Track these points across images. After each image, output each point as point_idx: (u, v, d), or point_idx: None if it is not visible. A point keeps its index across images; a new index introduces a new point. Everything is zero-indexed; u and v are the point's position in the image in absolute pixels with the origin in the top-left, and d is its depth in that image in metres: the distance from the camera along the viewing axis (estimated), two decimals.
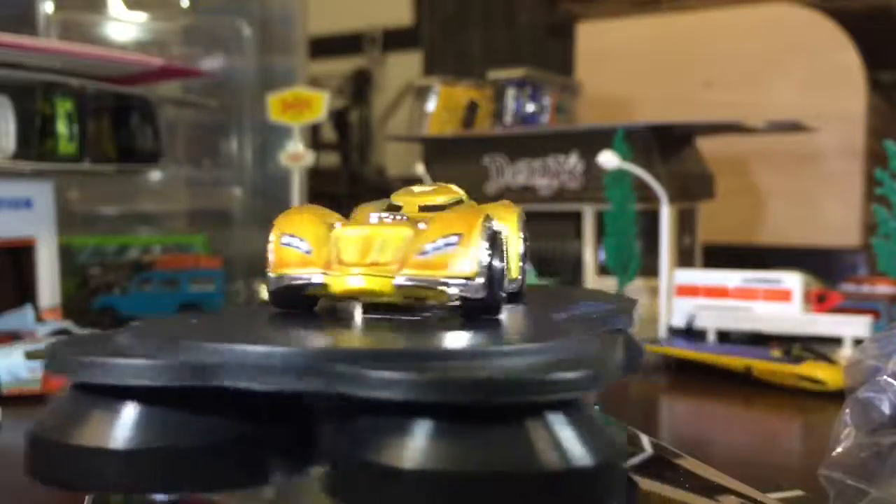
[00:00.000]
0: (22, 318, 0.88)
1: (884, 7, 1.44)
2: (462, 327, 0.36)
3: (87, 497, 0.43)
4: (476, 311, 0.37)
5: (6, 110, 0.82)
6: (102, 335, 0.36)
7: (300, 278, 0.36)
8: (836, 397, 0.51)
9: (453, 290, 0.35)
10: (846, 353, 0.81)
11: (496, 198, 1.11)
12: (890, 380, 0.47)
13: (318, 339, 0.35)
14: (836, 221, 1.35)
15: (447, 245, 0.35)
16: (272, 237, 0.37)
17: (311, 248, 0.36)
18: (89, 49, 0.90)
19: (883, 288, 0.95)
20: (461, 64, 1.95)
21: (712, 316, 0.91)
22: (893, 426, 0.47)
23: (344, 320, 0.37)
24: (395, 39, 2.33)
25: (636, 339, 0.41)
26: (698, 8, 1.49)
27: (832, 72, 1.34)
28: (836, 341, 0.84)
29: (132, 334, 0.34)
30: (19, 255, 0.96)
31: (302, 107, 1.11)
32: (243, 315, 0.42)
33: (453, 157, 1.17)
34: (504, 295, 0.39)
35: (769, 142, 1.30)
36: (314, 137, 2.07)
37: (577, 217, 1.07)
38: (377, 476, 0.27)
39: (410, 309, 0.38)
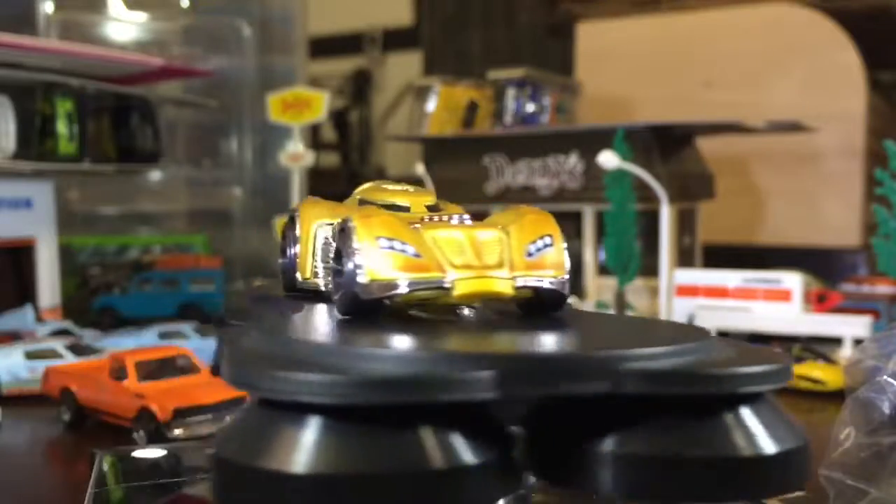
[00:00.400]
0: (22, 318, 0.88)
1: (884, 7, 1.44)
2: (578, 324, 0.37)
3: (86, 495, 0.43)
4: (553, 306, 0.38)
5: (6, 110, 0.82)
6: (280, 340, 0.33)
7: (424, 283, 0.35)
8: (836, 397, 0.51)
9: (554, 287, 0.37)
10: (846, 353, 0.81)
11: (496, 198, 1.11)
12: (890, 380, 0.47)
13: (533, 342, 0.34)
14: (836, 221, 1.35)
15: (546, 246, 0.37)
16: (362, 241, 0.35)
17: (418, 251, 0.35)
18: (89, 49, 0.90)
19: (883, 288, 0.95)
20: (461, 64, 1.95)
21: (712, 316, 0.91)
22: (893, 426, 0.46)
23: (445, 322, 0.37)
24: (395, 39, 2.33)
25: None
26: (698, 8, 1.49)
27: (832, 72, 1.34)
28: (836, 341, 0.84)
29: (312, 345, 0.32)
30: (19, 255, 0.96)
31: (302, 107, 1.11)
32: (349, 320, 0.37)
33: (453, 157, 1.17)
34: None
35: (769, 142, 1.30)
36: (314, 137, 2.07)
37: (577, 217, 1.07)
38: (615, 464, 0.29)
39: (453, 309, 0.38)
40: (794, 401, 0.76)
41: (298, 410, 0.28)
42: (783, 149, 1.34)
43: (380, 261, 0.35)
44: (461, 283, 0.35)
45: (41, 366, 0.72)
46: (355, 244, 0.35)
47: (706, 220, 1.15)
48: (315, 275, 0.42)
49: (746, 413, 0.31)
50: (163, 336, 0.81)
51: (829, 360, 0.78)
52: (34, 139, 0.84)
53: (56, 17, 1.21)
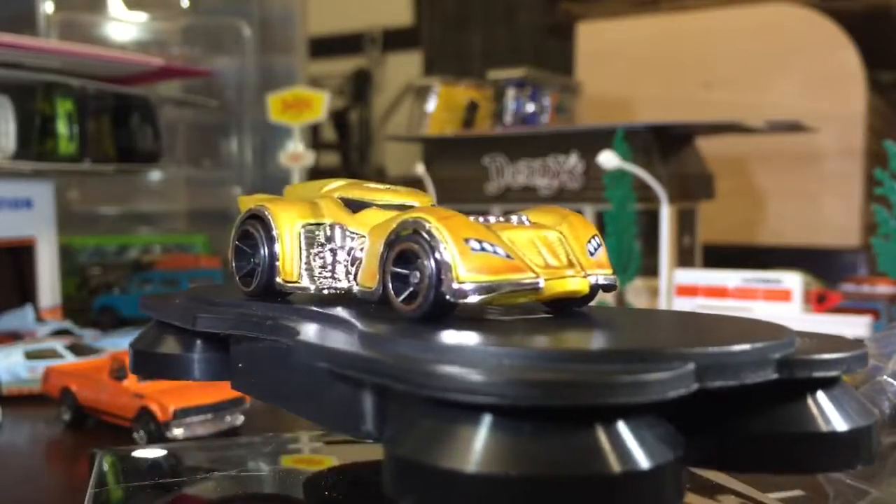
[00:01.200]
0: (22, 318, 0.88)
1: (884, 7, 1.44)
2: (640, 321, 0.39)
3: (87, 495, 0.43)
4: (583, 303, 0.39)
5: (6, 110, 0.82)
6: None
7: (519, 284, 0.35)
8: None
9: (611, 283, 0.38)
10: None
11: (496, 198, 1.11)
12: (890, 380, 0.47)
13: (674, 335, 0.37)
14: (836, 221, 1.35)
15: (599, 245, 0.39)
16: (447, 244, 0.34)
17: (508, 253, 0.35)
18: (89, 49, 0.90)
19: (883, 288, 0.95)
20: (461, 64, 1.95)
21: None
22: (893, 426, 0.47)
23: (519, 321, 0.37)
24: (395, 39, 2.33)
25: None
26: (698, 8, 1.49)
27: (832, 72, 1.34)
28: None
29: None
30: (19, 255, 0.96)
31: (302, 107, 1.11)
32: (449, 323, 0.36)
33: (453, 157, 1.17)
34: None
35: (769, 142, 1.30)
36: (314, 137, 2.07)
37: None
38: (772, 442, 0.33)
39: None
40: None
41: (476, 411, 0.27)
42: (783, 149, 1.34)
43: (472, 263, 0.34)
44: (551, 284, 0.36)
45: (41, 366, 0.72)
46: (441, 245, 0.34)
47: (706, 220, 1.15)
48: (301, 277, 0.41)
49: (829, 394, 0.33)
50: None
51: None
52: (34, 139, 0.84)
53: (56, 17, 1.21)
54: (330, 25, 2.19)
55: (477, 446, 0.27)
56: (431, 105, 1.23)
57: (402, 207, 0.40)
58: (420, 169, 1.16)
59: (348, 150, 2.34)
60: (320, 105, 1.11)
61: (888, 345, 0.50)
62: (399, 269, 0.36)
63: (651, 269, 0.97)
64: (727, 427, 0.33)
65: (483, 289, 0.34)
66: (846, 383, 0.35)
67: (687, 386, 0.28)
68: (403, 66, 2.23)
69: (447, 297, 0.34)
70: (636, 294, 1.00)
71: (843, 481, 0.44)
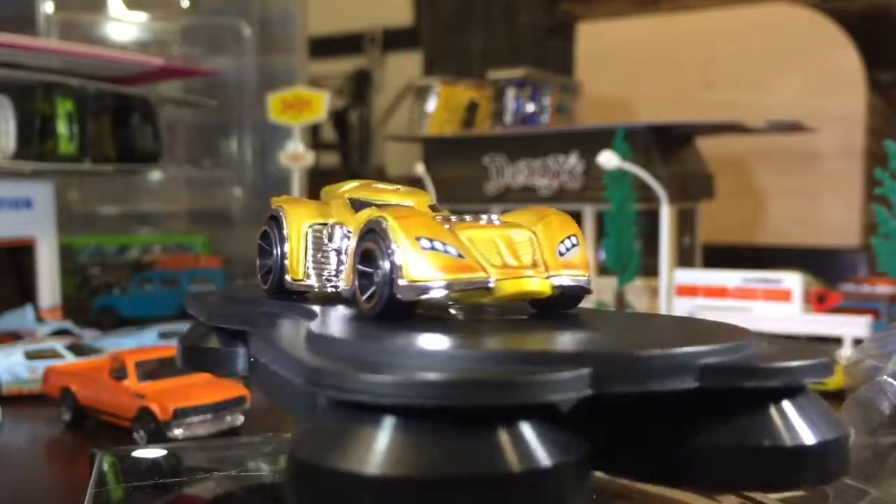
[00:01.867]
0: (22, 318, 0.88)
1: (884, 7, 1.44)
2: (629, 324, 0.39)
3: (86, 495, 0.43)
4: (571, 304, 0.39)
5: (6, 110, 0.82)
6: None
7: (468, 284, 0.35)
8: (836, 397, 0.51)
9: (583, 285, 0.38)
10: (846, 353, 0.81)
11: (496, 198, 1.11)
12: (890, 380, 0.47)
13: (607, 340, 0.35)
14: (836, 221, 1.35)
15: (573, 245, 0.38)
16: (399, 242, 0.35)
17: (459, 252, 0.35)
18: (89, 49, 0.90)
19: (883, 288, 0.95)
20: (461, 64, 1.95)
21: (712, 316, 0.91)
22: (893, 426, 0.46)
23: (486, 322, 0.37)
24: (395, 39, 2.32)
25: None
26: (698, 8, 1.49)
27: (832, 72, 1.34)
28: (836, 341, 0.84)
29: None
30: (19, 255, 0.96)
31: (302, 107, 1.11)
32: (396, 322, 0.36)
33: (453, 157, 1.17)
34: None
35: (769, 142, 1.30)
36: (314, 137, 2.07)
37: (577, 217, 1.06)
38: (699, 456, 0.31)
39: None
40: None
41: (377, 412, 0.27)
42: (783, 149, 1.34)
43: (421, 261, 0.34)
44: (503, 284, 0.35)
45: (41, 366, 0.72)
46: (393, 244, 0.35)
47: (706, 220, 1.15)
48: (307, 275, 0.42)
49: (793, 404, 0.32)
50: (163, 336, 0.81)
51: None
52: (34, 139, 0.84)
53: (56, 17, 1.21)
54: (330, 25, 2.19)
55: (378, 448, 0.27)
56: (431, 105, 1.23)
57: (393, 207, 0.40)
58: (420, 169, 1.16)
59: (348, 150, 2.34)
60: (320, 105, 1.11)
61: (888, 345, 0.50)
62: (364, 268, 0.36)
63: (651, 269, 0.97)
64: (678, 439, 0.31)
65: (431, 288, 0.34)
66: (815, 394, 0.34)
67: (578, 390, 0.28)
68: (403, 66, 2.23)
69: (398, 295, 0.34)
70: (636, 294, 1.00)
71: (843, 481, 0.43)
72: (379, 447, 0.27)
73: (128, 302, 1.08)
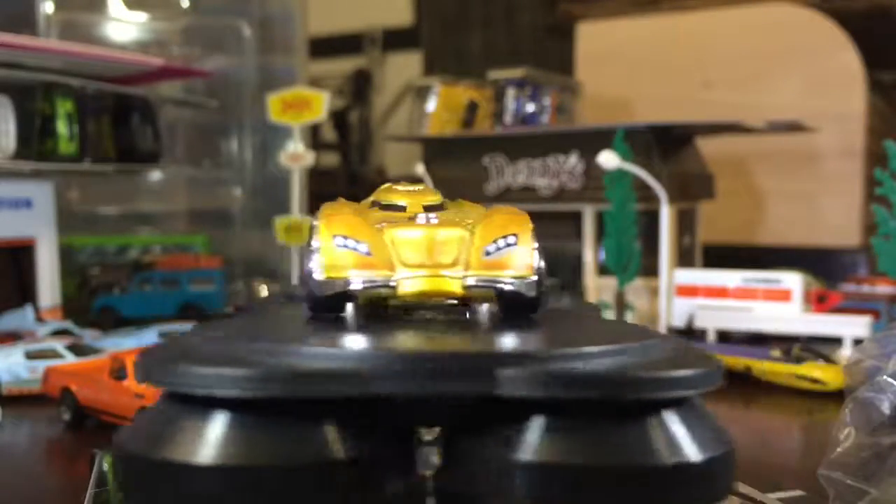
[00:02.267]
0: (22, 318, 0.88)
1: (884, 7, 1.44)
2: (531, 327, 0.36)
3: (87, 495, 0.43)
4: (523, 309, 0.37)
5: (6, 110, 0.82)
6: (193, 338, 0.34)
7: (370, 281, 0.36)
8: (836, 397, 0.51)
9: (513, 289, 0.36)
10: (846, 353, 0.81)
11: (496, 198, 1.11)
12: (890, 380, 0.47)
13: (426, 341, 0.33)
14: (836, 221, 1.35)
15: (507, 245, 0.36)
16: (320, 239, 0.36)
17: (370, 250, 0.36)
18: (89, 49, 0.90)
19: (883, 288, 0.95)
20: (461, 64, 1.94)
21: (712, 316, 0.91)
22: (893, 426, 0.46)
23: (399, 322, 0.37)
24: (395, 39, 2.32)
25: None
26: (698, 8, 1.49)
27: (832, 72, 1.34)
28: (836, 341, 0.84)
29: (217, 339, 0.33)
30: (19, 255, 0.96)
31: (302, 107, 1.11)
32: (291, 318, 0.39)
33: (453, 157, 1.17)
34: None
35: (769, 142, 1.30)
36: (314, 137, 2.07)
37: (577, 217, 1.07)
38: (520, 471, 0.29)
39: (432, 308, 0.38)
40: (795, 401, 0.76)
41: (203, 404, 0.29)
42: (783, 149, 1.34)
43: (334, 259, 0.36)
44: (407, 282, 0.35)
45: (41, 366, 0.72)
46: (314, 242, 0.36)
47: (706, 220, 1.15)
48: None
49: (667, 419, 0.30)
50: (163, 336, 0.81)
51: (829, 360, 0.78)
52: (34, 139, 0.84)
53: (56, 17, 1.21)
54: (330, 25, 2.19)
55: (206, 439, 0.28)
56: (431, 105, 1.23)
57: (391, 207, 0.40)
58: (420, 169, 1.16)
59: (348, 150, 2.33)
60: (320, 105, 1.11)
61: (888, 345, 0.50)
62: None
63: (651, 269, 0.97)
64: (542, 451, 0.29)
65: (338, 284, 0.35)
66: (702, 409, 0.32)
67: (342, 389, 0.28)
68: (403, 66, 2.23)
69: (315, 292, 0.36)
70: (636, 294, 1.00)
71: (843, 481, 0.43)
72: (208, 438, 0.28)
73: (128, 302, 1.08)
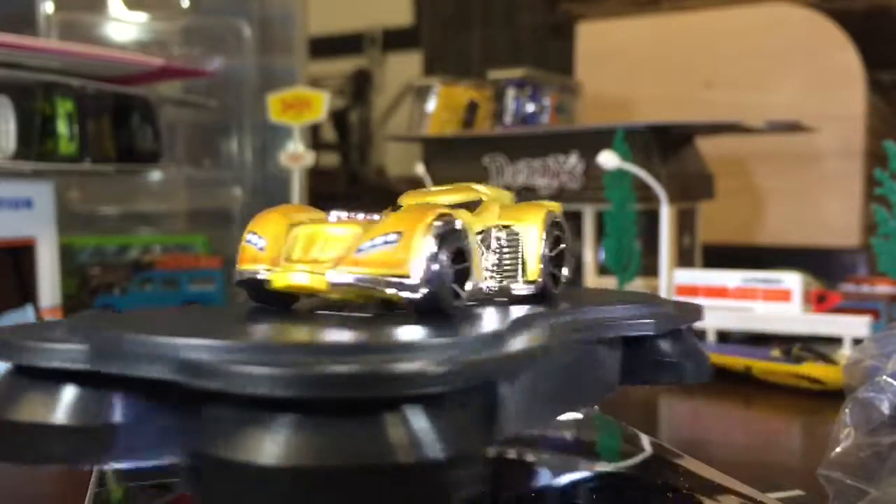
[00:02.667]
0: (22, 318, 0.88)
1: (884, 7, 1.44)
2: (379, 325, 0.35)
3: (87, 495, 0.43)
4: (424, 310, 0.36)
5: (6, 110, 0.82)
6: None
7: (250, 273, 0.39)
8: (836, 397, 0.51)
9: (390, 290, 0.35)
10: (846, 353, 0.81)
11: None
12: (890, 380, 0.47)
13: (207, 332, 0.32)
14: (836, 221, 1.35)
15: (385, 243, 0.35)
16: (244, 235, 0.40)
17: (265, 245, 0.38)
18: (89, 49, 0.90)
19: (883, 288, 0.95)
20: (461, 64, 1.95)
21: (712, 316, 0.91)
22: (893, 426, 0.46)
23: (292, 316, 0.38)
24: (395, 39, 2.32)
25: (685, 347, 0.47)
26: (698, 8, 1.49)
27: (832, 72, 1.34)
28: (836, 341, 0.84)
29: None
30: (19, 255, 0.96)
31: (302, 107, 1.11)
32: (210, 312, 0.44)
33: (453, 157, 1.17)
34: (521, 294, 0.42)
35: (769, 142, 1.30)
36: (314, 137, 2.07)
37: (577, 217, 1.07)
38: (235, 472, 0.27)
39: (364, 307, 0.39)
40: (795, 401, 0.76)
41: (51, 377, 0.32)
42: (783, 149, 1.34)
43: (241, 252, 0.39)
44: (274, 276, 0.38)
45: None
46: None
47: (706, 220, 1.15)
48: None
49: (410, 415, 0.28)
50: None
51: (829, 360, 0.78)
52: (34, 139, 0.84)
53: (56, 17, 1.21)
54: (330, 25, 2.19)
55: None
56: (431, 105, 1.23)
57: (397, 208, 0.42)
58: (420, 169, 1.16)
59: (348, 150, 2.34)
60: (320, 105, 1.11)
61: (888, 345, 0.50)
62: None
63: (651, 269, 0.97)
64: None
65: (238, 275, 0.39)
66: (455, 404, 0.29)
67: (73, 361, 0.32)
68: (403, 66, 2.23)
69: (235, 283, 0.40)
70: None
71: (842, 481, 0.44)
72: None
73: (128, 302, 1.08)
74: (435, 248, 0.35)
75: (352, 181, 2.23)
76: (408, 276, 0.35)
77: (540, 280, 0.43)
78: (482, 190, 0.45)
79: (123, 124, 0.96)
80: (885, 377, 0.47)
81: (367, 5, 2.34)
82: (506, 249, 0.43)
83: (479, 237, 0.41)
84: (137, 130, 0.97)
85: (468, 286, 0.38)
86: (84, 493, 0.43)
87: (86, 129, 0.88)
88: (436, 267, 0.35)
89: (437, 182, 1.12)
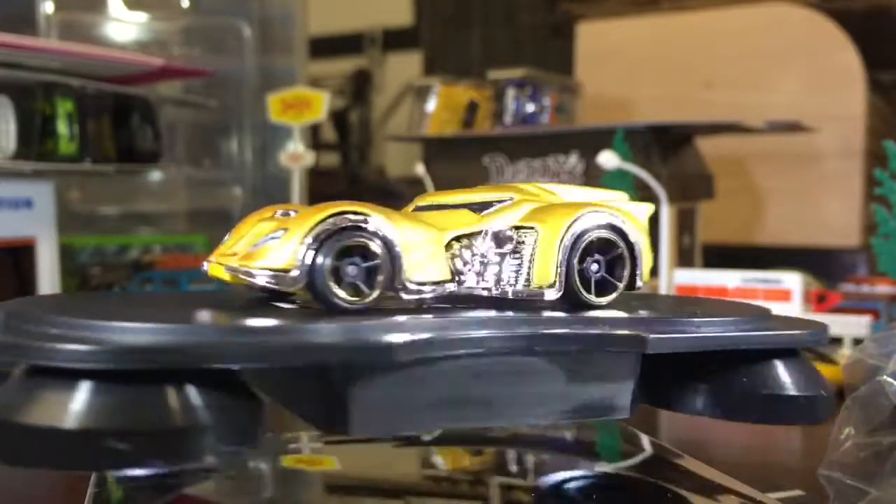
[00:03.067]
0: None
1: (884, 7, 1.44)
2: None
3: (87, 495, 0.43)
4: (316, 303, 0.38)
5: (6, 110, 0.82)
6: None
7: (205, 265, 0.41)
8: (837, 397, 0.51)
9: (272, 283, 0.37)
10: (846, 352, 0.81)
11: None
12: (890, 380, 0.47)
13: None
14: (836, 221, 1.35)
15: (272, 239, 0.37)
16: None
17: (225, 240, 0.40)
18: (89, 49, 0.90)
19: (883, 288, 0.95)
20: (461, 64, 1.95)
21: None
22: (893, 426, 0.46)
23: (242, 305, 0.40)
24: (395, 39, 2.32)
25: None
26: (698, 8, 1.49)
27: (832, 72, 1.34)
28: (836, 341, 0.84)
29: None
30: (19, 255, 0.96)
31: (302, 107, 1.11)
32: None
33: (453, 158, 1.17)
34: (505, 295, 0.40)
35: (769, 142, 1.30)
36: (314, 137, 2.07)
37: None
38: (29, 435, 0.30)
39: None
40: None
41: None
42: (783, 149, 1.34)
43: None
44: (209, 267, 0.40)
45: None
46: None
47: (706, 220, 1.15)
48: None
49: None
50: None
51: (829, 360, 0.78)
52: (34, 139, 0.84)
53: (56, 17, 1.21)
54: (330, 25, 2.19)
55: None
56: (431, 105, 1.23)
57: (429, 207, 0.45)
58: (420, 169, 1.16)
59: (348, 150, 2.34)
60: (320, 105, 1.11)
61: (888, 345, 0.50)
62: None
63: (651, 269, 0.97)
64: None
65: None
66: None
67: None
68: (403, 66, 2.23)
69: None
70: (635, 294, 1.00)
71: (842, 481, 0.44)
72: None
73: None
74: (313, 246, 0.36)
75: (352, 181, 2.23)
76: (286, 271, 0.36)
77: (555, 284, 0.40)
78: (530, 191, 0.43)
79: (123, 124, 0.96)
80: (885, 377, 0.47)
81: (367, 5, 2.34)
82: (503, 252, 0.41)
83: (473, 238, 0.41)
84: (137, 130, 0.97)
85: (378, 284, 0.38)
86: (84, 493, 0.43)
87: (86, 129, 0.88)
88: (310, 263, 0.36)
89: (437, 182, 1.12)
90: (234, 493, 0.45)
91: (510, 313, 0.39)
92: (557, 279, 0.40)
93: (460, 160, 1.16)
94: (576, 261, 0.41)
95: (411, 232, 0.39)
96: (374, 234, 0.37)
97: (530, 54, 1.83)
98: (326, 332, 0.34)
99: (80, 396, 0.31)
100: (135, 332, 0.32)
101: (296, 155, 1.12)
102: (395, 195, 1.72)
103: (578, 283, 0.41)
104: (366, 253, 0.37)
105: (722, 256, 1.16)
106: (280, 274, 0.36)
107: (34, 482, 0.56)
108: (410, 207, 0.45)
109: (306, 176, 1.25)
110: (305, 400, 0.38)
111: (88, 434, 0.30)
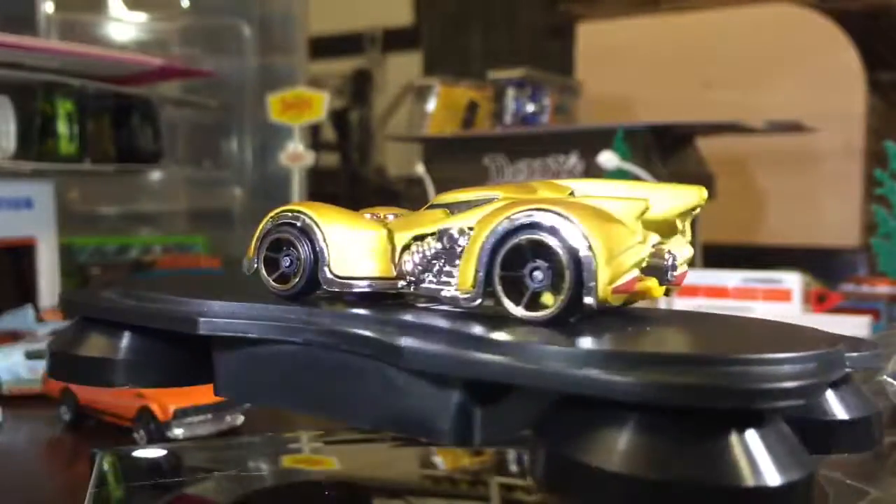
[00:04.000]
0: (22, 318, 0.88)
1: (884, 7, 1.44)
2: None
3: (87, 496, 0.43)
4: None
5: (6, 110, 0.82)
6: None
7: None
8: None
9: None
10: None
11: None
12: (890, 380, 0.47)
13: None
14: (836, 221, 1.35)
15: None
16: None
17: None
18: (89, 49, 0.90)
19: (883, 288, 0.95)
20: (461, 64, 1.95)
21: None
22: (893, 426, 0.46)
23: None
24: (395, 39, 2.32)
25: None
26: (698, 8, 1.49)
27: (832, 72, 1.34)
28: None
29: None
30: (19, 255, 0.96)
31: (302, 107, 1.11)
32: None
33: (453, 157, 1.17)
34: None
35: (769, 142, 1.30)
36: (314, 137, 2.07)
37: None
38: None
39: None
40: None
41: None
42: (783, 149, 1.34)
43: None
44: None
45: (41, 366, 0.72)
46: None
47: (706, 220, 1.15)
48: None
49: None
50: None
51: None
52: (34, 139, 0.84)
53: (56, 17, 1.21)
54: (330, 25, 2.19)
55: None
56: (431, 105, 1.23)
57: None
58: (420, 169, 1.15)
59: (348, 150, 2.33)
60: (320, 105, 1.11)
61: (888, 345, 0.50)
62: None
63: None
64: None
65: None
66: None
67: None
68: (403, 66, 2.23)
69: None
70: None
71: (843, 481, 0.44)
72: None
73: None
74: (259, 240, 0.43)
75: (352, 181, 2.23)
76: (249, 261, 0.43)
77: (471, 291, 0.37)
78: (534, 189, 0.42)
79: (124, 124, 0.96)
80: (885, 377, 0.47)
81: (367, 5, 2.34)
82: (448, 254, 0.39)
83: (430, 239, 0.41)
84: (138, 130, 0.97)
85: (301, 274, 0.41)
86: (84, 493, 0.43)
87: (86, 129, 0.88)
88: (258, 255, 0.43)
89: (437, 182, 1.12)
90: (234, 493, 0.45)
91: (361, 311, 0.39)
92: (476, 286, 0.36)
93: (460, 160, 1.16)
94: (497, 266, 0.36)
95: (344, 230, 0.41)
96: (302, 231, 0.41)
97: (530, 54, 1.83)
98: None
99: None
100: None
101: (296, 155, 1.12)
102: (394, 195, 1.72)
103: (501, 291, 0.36)
104: (294, 246, 0.42)
105: (722, 256, 1.16)
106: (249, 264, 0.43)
107: (35, 483, 0.56)
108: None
109: (306, 176, 1.25)
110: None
111: None
